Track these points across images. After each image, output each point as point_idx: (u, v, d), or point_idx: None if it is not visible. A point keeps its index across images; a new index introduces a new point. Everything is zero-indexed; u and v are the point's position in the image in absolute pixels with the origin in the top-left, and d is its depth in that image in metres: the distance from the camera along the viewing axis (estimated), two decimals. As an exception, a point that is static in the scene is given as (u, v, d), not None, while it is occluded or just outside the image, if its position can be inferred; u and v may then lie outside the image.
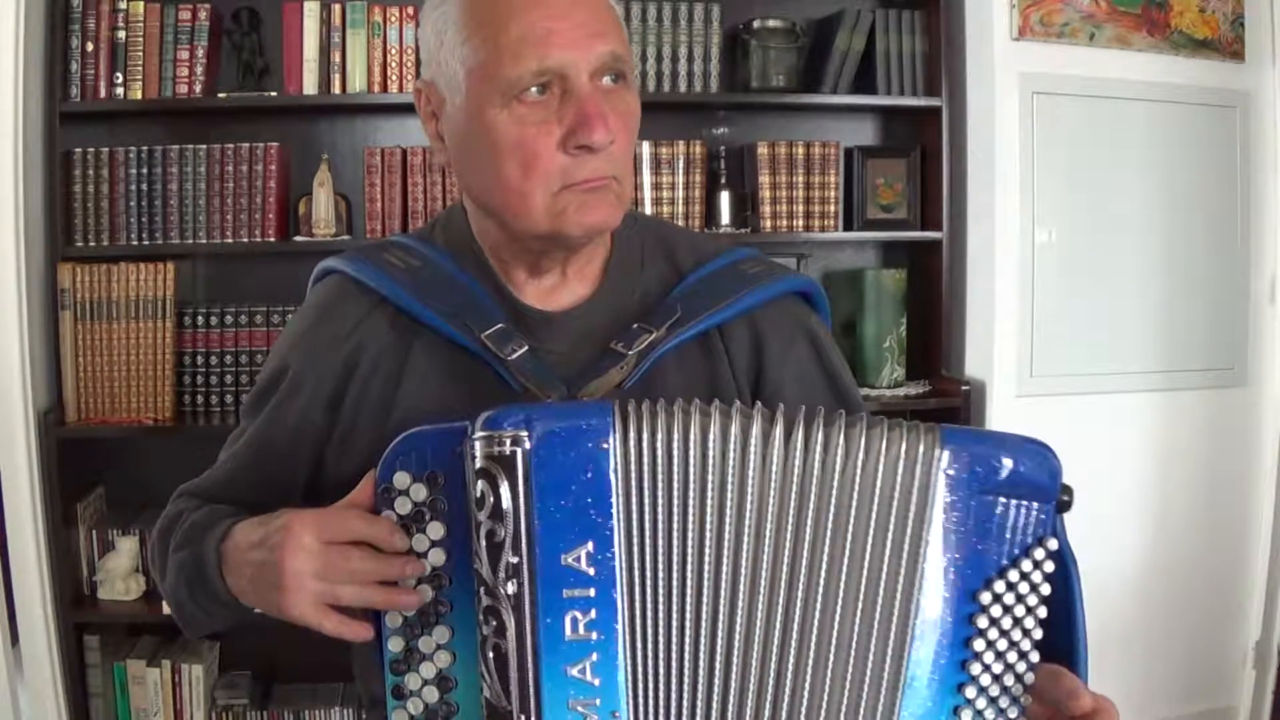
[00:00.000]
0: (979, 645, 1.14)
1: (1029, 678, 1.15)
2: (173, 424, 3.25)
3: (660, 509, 1.13)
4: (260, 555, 1.20)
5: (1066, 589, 1.19)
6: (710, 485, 1.13)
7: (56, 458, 3.12)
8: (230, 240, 3.30)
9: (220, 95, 3.32)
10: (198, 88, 3.26)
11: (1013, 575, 1.14)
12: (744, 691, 1.14)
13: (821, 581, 1.13)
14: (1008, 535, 1.14)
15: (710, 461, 1.13)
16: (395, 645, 1.18)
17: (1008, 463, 1.14)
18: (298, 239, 3.37)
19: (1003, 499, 1.14)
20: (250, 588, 1.23)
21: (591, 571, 1.11)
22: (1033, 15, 3.45)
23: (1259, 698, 3.72)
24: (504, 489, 1.10)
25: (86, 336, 3.21)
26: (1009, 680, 1.14)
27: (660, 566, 1.13)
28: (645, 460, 1.13)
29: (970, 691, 1.14)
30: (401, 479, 1.16)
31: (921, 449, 1.13)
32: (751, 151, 3.58)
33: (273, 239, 3.32)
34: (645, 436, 1.13)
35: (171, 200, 3.27)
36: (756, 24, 3.53)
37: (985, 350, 3.54)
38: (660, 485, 1.13)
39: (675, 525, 1.13)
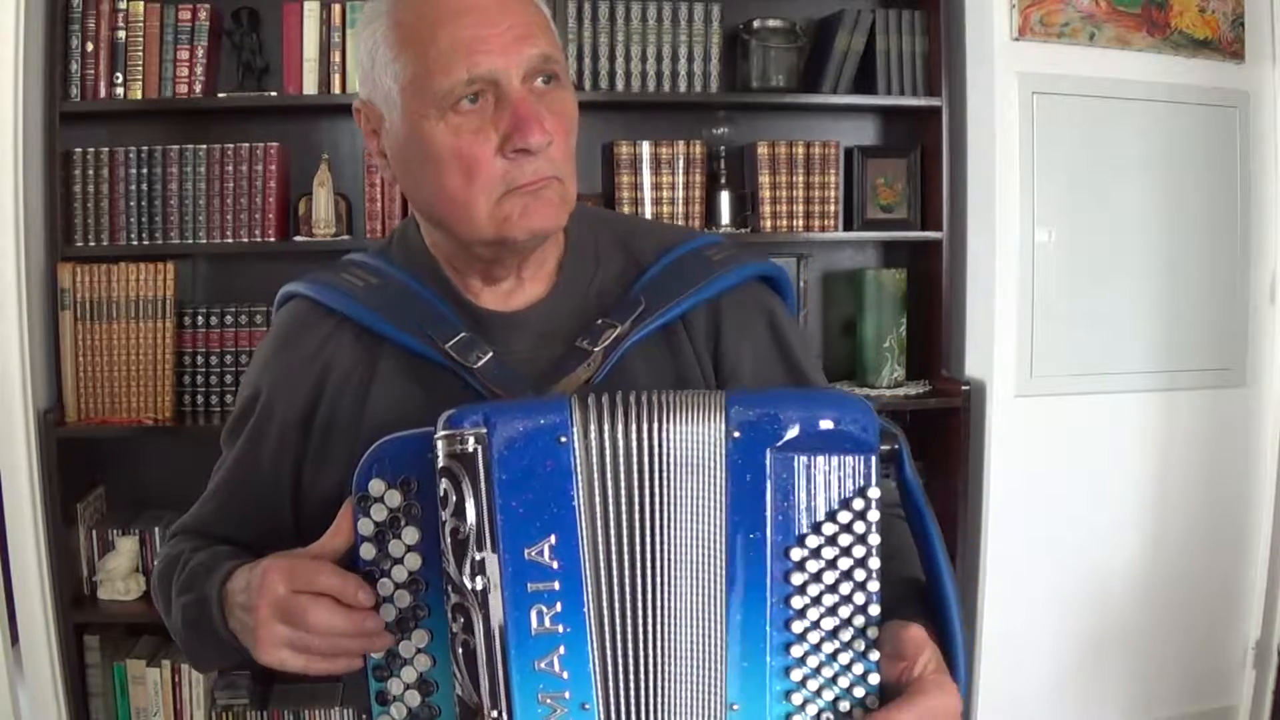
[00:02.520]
0: (798, 602, 1.13)
1: (871, 632, 1.14)
2: (173, 424, 3.26)
3: (618, 499, 1.14)
4: (243, 599, 1.23)
5: (925, 541, 1.21)
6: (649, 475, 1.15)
7: (56, 458, 3.13)
8: (230, 240, 3.31)
9: (220, 95, 3.33)
10: (198, 88, 3.27)
11: (829, 529, 1.13)
12: (661, 676, 1.15)
13: (659, 563, 1.14)
14: (821, 490, 1.13)
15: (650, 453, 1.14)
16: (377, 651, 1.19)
17: (818, 420, 1.13)
18: (298, 239, 3.37)
19: (809, 455, 1.13)
20: (239, 630, 1.25)
21: (555, 565, 1.12)
22: (1033, 15, 3.44)
23: (1259, 698, 3.71)
24: (466, 486, 1.11)
25: (86, 336, 3.22)
26: (846, 635, 1.13)
27: (616, 556, 1.14)
28: (604, 452, 1.14)
29: (798, 650, 1.13)
30: (376, 486, 1.17)
31: (705, 416, 1.14)
32: (751, 151, 3.58)
33: (273, 239, 3.33)
34: (602, 428, 1.14)
35: (171, 200, 3.28)
36: (756, 24, 3.53)
37: (985, 350, 3.54)
38: (620, 476, 1.14)
39: (637, 515, 1.14)
